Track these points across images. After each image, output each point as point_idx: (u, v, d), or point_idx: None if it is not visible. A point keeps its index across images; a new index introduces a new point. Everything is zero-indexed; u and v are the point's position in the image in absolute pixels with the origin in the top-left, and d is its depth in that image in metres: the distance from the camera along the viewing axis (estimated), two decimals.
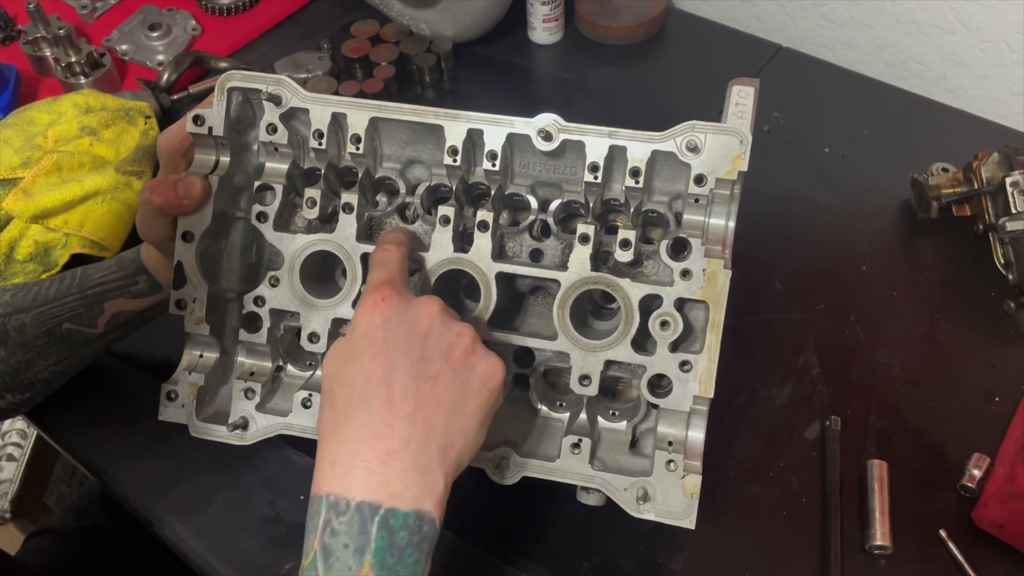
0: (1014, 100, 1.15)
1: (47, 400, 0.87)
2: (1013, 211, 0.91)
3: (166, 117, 1.17)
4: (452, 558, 0.78)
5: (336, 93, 1.18)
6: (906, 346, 0.91)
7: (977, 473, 0.80)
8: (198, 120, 0.70)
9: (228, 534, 0.81)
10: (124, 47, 1.30)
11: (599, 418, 0.71)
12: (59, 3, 1.35)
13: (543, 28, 1.27)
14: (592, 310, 0.74)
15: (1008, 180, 0.91)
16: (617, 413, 0.72)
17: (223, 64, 1.24)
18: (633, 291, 0.66)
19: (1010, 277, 0.94)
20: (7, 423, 1.62)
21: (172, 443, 0.72)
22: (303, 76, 1.21)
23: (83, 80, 1.21)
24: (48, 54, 1.23)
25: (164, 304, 0.76)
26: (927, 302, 0.95)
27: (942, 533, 0.78)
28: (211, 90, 0.71)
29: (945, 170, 1.01)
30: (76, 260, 0.99)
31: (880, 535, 0.77)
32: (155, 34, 1.30)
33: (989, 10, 1.10)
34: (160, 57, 1.28)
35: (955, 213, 0.99)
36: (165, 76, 1.20)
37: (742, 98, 0.66)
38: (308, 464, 0.84)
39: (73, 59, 1.21)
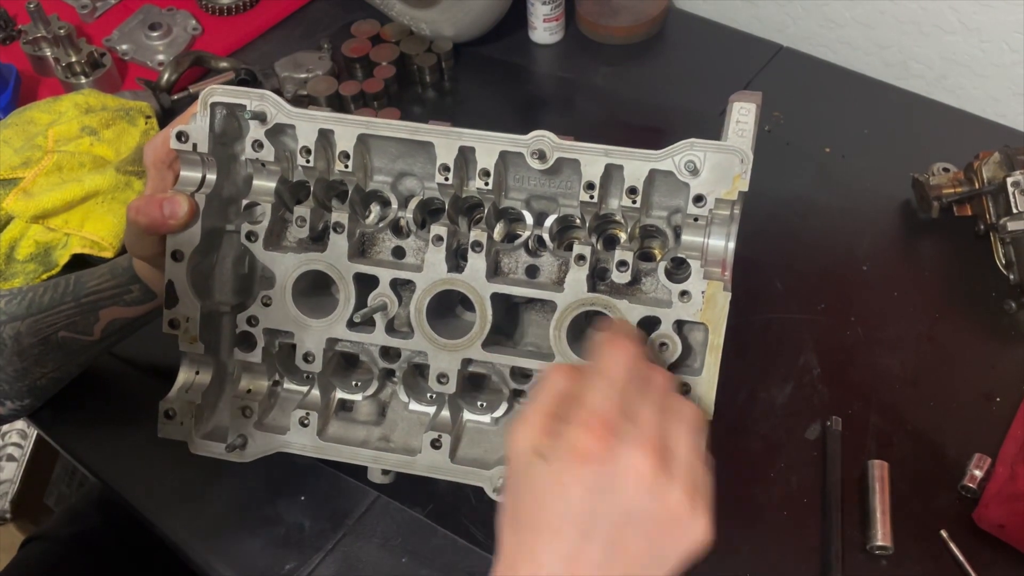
0: (1014, 100, 1.15)
1: (47, 400, 0.87)
2: (1014, 211, 0.91)
3: (166, 117, 1.17)
4: (454, 559, 0.78)
5: (336, 93, 1.18)
6: (907, 346, 0.91)
7: (978, 473, 0.80)
8: (182, 136, 0.68)
9: (228, 534, 0.81)
10: (124, 47, 1.29)
11: None
12: (59, 3, 1.35)
13: (543, 28, 1.27)
14: (590, 320, 0.73)
15: (1009, 180, 0.91)
16: None
17: (223, 64, 1.24)
18: (631, 313, 0.65)
19: (1011, 277, 0.94)
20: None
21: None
22: (303, 76, 1.21)
23: (83, 80, 1.21)
24: (48, 54, 1.23)
25: (160, 309, 0.75)
26: (928, 302, 0.95)
27: (943, 533, 0.77)
28: None
29: (946, 170, 1.01)
30: (77, 260, 0.99)
31: (881, 535, 0.77)
32: (155, 34, 1.30)
33: (989, 10, 1.10)
34: (160, 57, 1.28)
35: (956, 213, 0.99)
36: (165, 76, 1.20)
37: (743, 115, 0.64)
38: (308, 464, 0.84)
39: (73, 59, 1.21)
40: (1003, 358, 0.90)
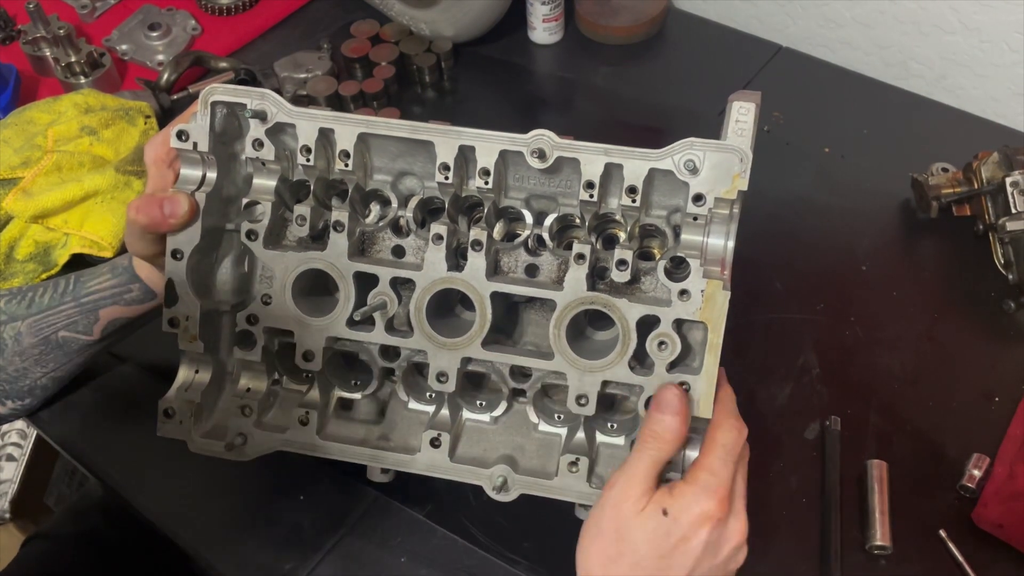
0: (1014, 100, 1.15)
1: (47, 400, 0.87)
2: (1013, 211, 0.91)
3: (166, 117, 1.17)
4: (454, 559, 0.78)
5: (336, 93, 1.18)
6: (906, 346, 0.92)
7: (977, 473, 0.80)
8: (182, 135, 0.68)
9: (228, 534, 0.81)
10: (124, 47, 1.30)
11: (597, 433, 0.71)
12: (59, 3, 1.35)
13: (543, 28, 1.27)
14: (589, 319, 0.73)
15: (1008, 180, 0.91)
16: (616, 426, 0.71)
17: (223, 64, 1.24)
18: (630, 312, 0.65)
19: (1010, 277, 0.94)
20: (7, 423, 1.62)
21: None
22: (303, 76, 1.21)
23: (83, 80, 1.21)
24: (48, 54, 1.23)
25: (160, 309, 0.75)
26: (927, 302, 0.95)
27: (942, 533, 0.78)
28: None
29: (945, 170, 1.01)
30: (76, 260, 0.99)
31: (880, 535, 0.77)
32: (155, 34, 1.30)
33: (989, 10, 1.11)
34: (160, 57, 1.28)
35: (955, 213, 0.99)
36: (165, 76, 1.20)
37: (742, 115, 0.64)
38: (308, 464, 0.84)
39: (73, 59, 1.21)
40: (1002, 358, 0.90)
